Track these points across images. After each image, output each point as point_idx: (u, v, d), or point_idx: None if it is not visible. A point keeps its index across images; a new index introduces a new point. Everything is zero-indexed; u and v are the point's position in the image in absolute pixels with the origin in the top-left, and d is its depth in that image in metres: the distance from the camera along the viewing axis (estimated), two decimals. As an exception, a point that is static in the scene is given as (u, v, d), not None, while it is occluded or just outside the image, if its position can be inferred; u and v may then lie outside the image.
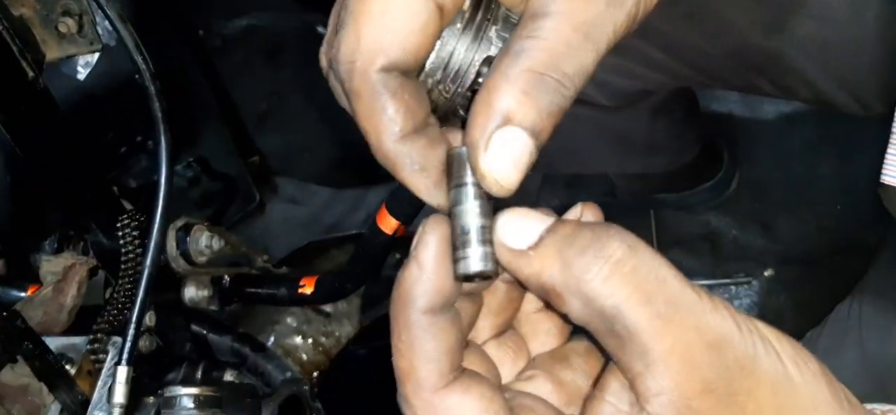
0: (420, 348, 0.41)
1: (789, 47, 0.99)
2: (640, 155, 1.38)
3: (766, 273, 1.59)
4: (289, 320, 1.65)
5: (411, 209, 0.98)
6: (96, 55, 1.76)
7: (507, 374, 0.48)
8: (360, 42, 0.42)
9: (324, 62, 0.48)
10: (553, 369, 0.47)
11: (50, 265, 1.04)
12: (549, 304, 0.41)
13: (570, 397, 0.46)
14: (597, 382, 0.42)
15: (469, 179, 0.42)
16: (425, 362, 0.41)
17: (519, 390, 0.46)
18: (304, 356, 1.63)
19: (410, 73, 0.44)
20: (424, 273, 0.41)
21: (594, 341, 0.42)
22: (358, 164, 1.81)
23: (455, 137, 0.47)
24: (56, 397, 0.88)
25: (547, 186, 1.58)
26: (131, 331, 0.82)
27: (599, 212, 0.46)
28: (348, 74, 0.43)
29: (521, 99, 0.40)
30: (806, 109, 1.59)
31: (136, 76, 0.86)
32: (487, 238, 0.42)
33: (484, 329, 0.48)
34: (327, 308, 1.59)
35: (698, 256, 1.59)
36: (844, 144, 1.57)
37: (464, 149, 0.42)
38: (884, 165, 0.73)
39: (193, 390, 0.69)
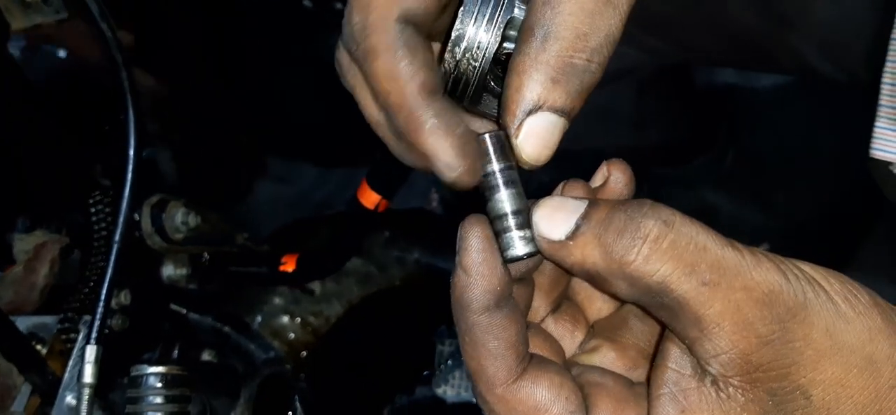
0: (484, 348, 0.41)
1: (771, 18, 0.96)
2: (630, 130, 1.36)
3: (762, 248, 1.57)
4: (276, 299, 1.63)
5: (393, 183, 0.95)
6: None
7: (568, 347, 0.48)
8: None
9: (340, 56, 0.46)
10: (614, 336, 0.48)
11: (22, 243, 1.01)
12: (598, 287, 0.42)
13: (634, 360, 0.47)
14: (657, 350, 0.43)
15: (498, 165, 0.43)
16: (492, 359, 0.42)
17: (585, 363, 0.47)
18: (292, 336, 1.60)
19: (424, 30, 0.44)
20: (472, 277, 0.41)
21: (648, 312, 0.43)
22: (347, 142, 1.78)
23: (482, 125, 0.47)
24: (26, 378, 0.85)
25: (538, 162, 1.55)
26: (100, 309, 0.79)
27: (625, 167, 0.47)
28: (362, 32, 0.42)
29: (550, 86, 0.41)
30: (802, 82, 1.55)
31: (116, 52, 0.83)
32: (525, 219, 0.43)
33: (540, 308, 0.48)
34: (314, 288, 1.57)
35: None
36: (841, 117, 1.54)
37: (488, 135, 0.43)
38: (872, 139, 0.70)
39: (161, 369, 0.67)
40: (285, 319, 1.61)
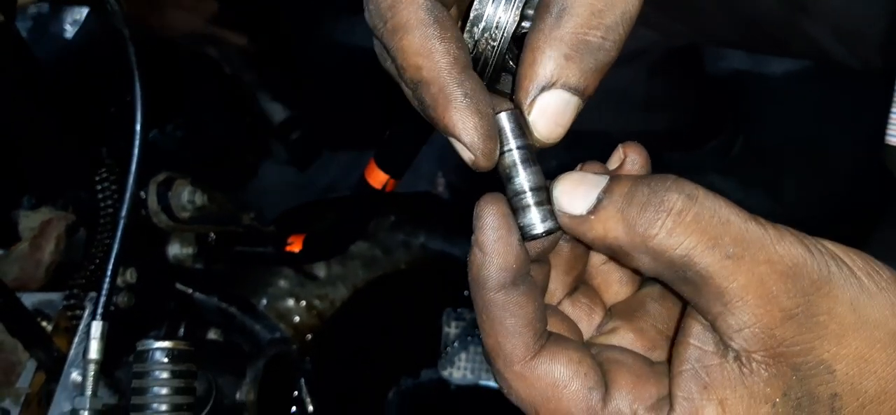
0: (501, 325, 0.41)
1: (786, 2, 0.95)
2: (639, 113, 1.35)
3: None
4: (282, 282, 1.62)
5: (402, 162, 0.94)
6: (84, 12, 1.71)
7: (585, 329, 0.48)
8: None
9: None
10: (631, 318, 0.47)
11: (28, 220, 1.00)
12: (619, 262, 0.43)
13: (652, 342, 0.47)
14: (679, 327, 0.43)
15: (515, 142, 0.43)
16: (509, 337, 0.41)
17: (603, 343, 0.47)
18: (298, 319, 1.60)
19: (450, 4, 0.44)
20: (487, 255, 0.41)
21: (668, 289, 0.43)
22: (353, 124, 1.77)
23: (500, 104, 0.47)
24: (31, 354, 0.85)
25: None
26: (106, 285, 0.78)
27: (641, 149, 0.47)
28: (390, 9, 0.42)
29: (563, 63, 0.41)
30: (812, 68, 1.54)
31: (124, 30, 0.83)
32: (544, 197, 0.43)
33: (556, 290, 0.48)
34: (320, 272, 1.57)
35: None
36: (852, 103, 1.52)
37: (504, 114, 0.43)
38: (888, 126, 0.70)
39: (167, 344, 0.66)
40: (291, 302, 1.61)
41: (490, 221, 0.41)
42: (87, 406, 0.75)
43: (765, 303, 0.38)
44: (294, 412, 0.99)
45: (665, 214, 0.38)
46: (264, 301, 1.55)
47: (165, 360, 0.66)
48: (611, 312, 0.49)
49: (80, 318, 0.87)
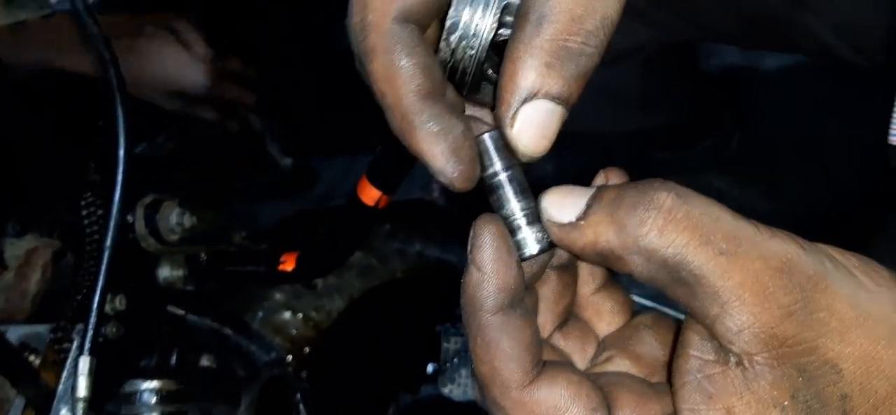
0: (498, 349, 0.40)
1: None
2: (634, 111, 1.33)
3: (771, 233, 1.54)
4: (277, 295, 1.60)
5: (393, 177, 0.92)
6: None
7: (579, 362, 0.47)
8: None
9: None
10: (626, 347, 0.46)
11: (13, 248, 0.98)
12: (610, 269, 0.41)
13: (650, 368, 0.46)
14: (675, 343, 0.42)
15: (501, 163, 0.42)
16: (507, 361, 0.40)
17: (600, 371, 0.46)
18: (295, 331, 1.58)
19: (423, 27, 0.43)
20: (485, 275, 0.40)
21: (661, 302, 0.40)
22: (346, 133, 1.75)
23: (483, 115, 0.46)
24: (19, 391, 0.83)
25: (541, 149, 1.52)
26: (92, 320, 0.76)
27: (624, 174, 0.46)
28: (361, 32, 0.42)
29: (544, 72, 0.40)
30: (811, 64, 1.52)
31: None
32: (535, 216, 0.42)
33: (546, 323, 0.47)
34: (316, 282, 1.54)
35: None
36: (852, 100, 1.51)
37: (487, 135, 0.42)
38: (891, 125, 0.68)
39: (155, 384, 0.64)
40: (287, 314, 1.59)
41: (488, 240, 0.40)
42: (77, 445, 0.73)
43: (762, 300, 0.37)
44: (291, 437, 0.97)
45: (655, 212, 0.38)
46: (260, 314, 1.53)
47: (153, 401, 0.64)
48: (604, 343, 0.48)
49: (68, 351, 0.85)
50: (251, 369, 1.05)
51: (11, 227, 1.00)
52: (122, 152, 0.78)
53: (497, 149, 0.42)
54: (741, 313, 0.37)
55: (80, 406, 0.74)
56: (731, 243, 0.37)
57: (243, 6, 1.70)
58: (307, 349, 1.56)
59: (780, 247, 0.37)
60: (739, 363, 0.38)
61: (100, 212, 0.96)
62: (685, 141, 1.53)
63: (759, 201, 1.52)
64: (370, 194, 0.92)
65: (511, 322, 0.40)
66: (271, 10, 1.72)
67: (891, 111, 0.70)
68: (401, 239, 1.64)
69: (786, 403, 0.37)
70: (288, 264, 1.07)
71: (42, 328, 0.88)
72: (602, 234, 0.39)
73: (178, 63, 1.46)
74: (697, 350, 0.39)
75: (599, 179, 0.45)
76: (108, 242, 0.76)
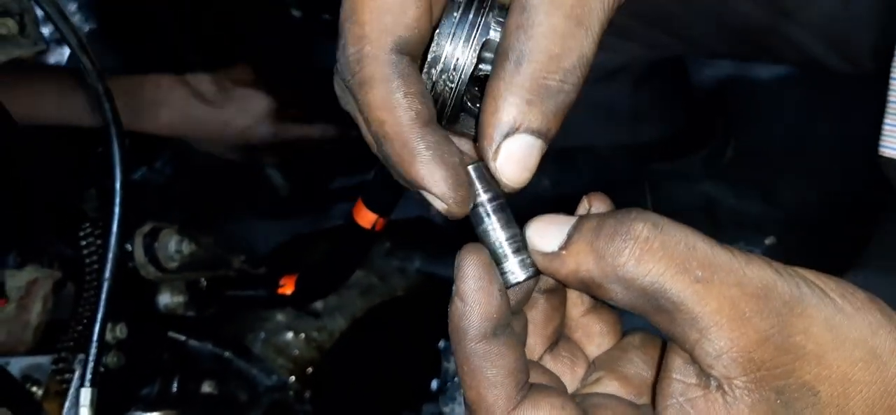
0: (483, 377, 0.41)
1: (773, 10, 0.94)
2: (627, 126, 1.34)
3: (766, 242, 1.54)
4: (279, 316, 1.61)
5: (389, 200, 0.93)
6: (65, 53, 1.68)
7: (569, 383, 0.48)
8: (366, 27, 0.42)
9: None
10: (614, 367, 0.48)
11: (14, 280, 0.99)
12: (595, 297, 0.42)
13: (638, 389, 0.47)
14: (659, 366, 0.43)
15: (485, 195, 0.43)
16: (491, 388, 0.42)
17: (587, 393, 0.47)
18: (297, 352, 1.59)
19: (416, 57, 0.44)
20: (468, 305, 0.41)
21: (649, 333, 0.44)
22: (341, 154, 1.76)
23: (463, 145, 0.47)
24: (22, 423, 0.83)
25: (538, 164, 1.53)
26: (93, 350, 0.77)
27: (605, 199, 0.47)
28: (357, 63, 0.43)
29: (525, 108, 0.41)
30: (800, 72, 1.53)
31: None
32: (519, 244, 0.43)
33: (536, 345, 0.48)
34: (317, 303, 1.55)
35: (696, 227, 1.53)
36: (842, 105, 1.51)
37: (472, 167, 0.43)
38: (882, 136, 0.69)
39: None
40: (289, 335, 1.59)
41: (471, 271, 0.41)
42: (80, 476, 0.74)
43: (739, 326, 0.37)
44: (293, 461, 0.98)
45: (632, 242, 0.39)
46: (262, 335, 1.53)
47: (155, 431, 0.64)
48: (594, 364, 0.49)
49: (70, 381, 0.86)
50: (253, 393, 1.05)
51: (12, 258, 1.01)
52: (118, 185, 0.79)
53: (481, 179, 0.43)
54: (719, 338, 0.38)
55: (83, 437, 0.75)
56: (707, 271, 0.38)
57: (237, 33, 1.71)
58: (310, 370, 1.57)
59: (756, 273, 0.38)
60: (719, 387, 0.39)
61: (98, 242, 0.97)
62: (679, 151, 1.54)
63: (753, 208, 1.53)
64: (366, 218, 0.93)
65: (494, 350, 0.41)
66: (264, 36, 1.73)
67: (881, 120, 0.70)
68: (400, 257, 1.65)
69: None
70: (287, 288, 1.08)
71: (44, 360, 0.88)
72: (583, 263, 0.40)
73: (242, 117, 1.45)
74: (680, 374, 0.40)
75: (583, 206, 0.47)
76: (108, 272, 0.77)
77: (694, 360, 0.39)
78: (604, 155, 1.48)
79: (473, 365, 0.41)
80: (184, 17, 1.62)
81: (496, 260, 0.43)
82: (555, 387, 0.45)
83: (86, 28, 1.66)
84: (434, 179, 0.42)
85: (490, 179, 0.43)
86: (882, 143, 0.70)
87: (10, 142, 0.99)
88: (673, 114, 1.43)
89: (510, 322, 0.43)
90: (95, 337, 0.77)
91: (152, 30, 1.62)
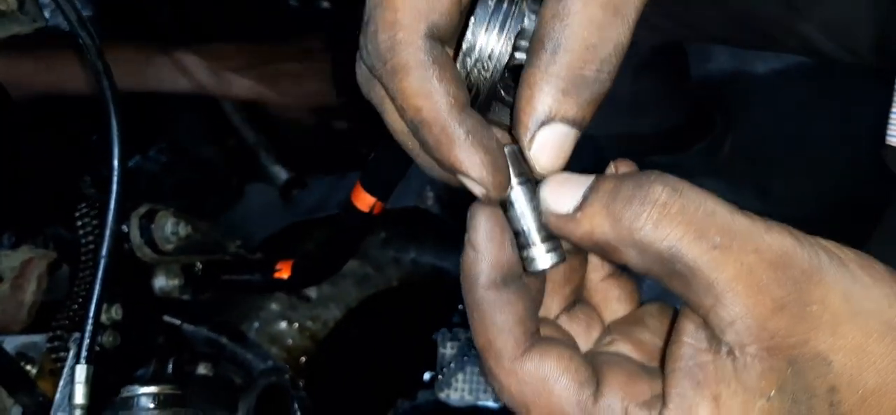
0: (491, 323, 0.42)
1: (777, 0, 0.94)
2: (625, 115, 1.34)
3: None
4: (273, 305, 1.60)
5: (388, 184, 0.93)
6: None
7: (583, 344, 0.48)
8: (398, 13, 0.42)
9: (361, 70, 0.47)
10: (629, 332, 0.47)
11: (8, 260, 0.98)
12: (609, 259, 0.42)
13: (650, 354, 0.46)
14: (671, 329, 0.43)
15: (516, 179, 0.44)
16: (499, 334, 0.42)
17: (599, 351, 0.47)
18: (291, 342, 1.58)
19: (450, 43, 0.45)
20: (480, 253, 0.42)
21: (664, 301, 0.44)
22: (339, 144, 1.75)
23: (495, 133, 0.47)
24: (16, 400, 0.83)
25: (534, 155, 1.53)
26: (89, 327, 0.76)
27: (632, 164, 0.47)
28: (390, 51, 0.43)
29: (561, 98, 0.42)
30: (800, 65, 1.53)
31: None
32: (549, 232, 0.43)
33: (553, 305, 0.49)
34: (312, 293, 1.54)
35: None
36: (842, 100, 1.52)
37: (506, 150, 0.44)
38: (888, 126, 0.69)
39: (153, 389, 0.64)
40: (283, 324, 1.59)
41: (483, 221, 0.42)
42: (74, 453, 0.73)
43: (755, 293, 0.37)
44: (290, 444, 0.97)
45: (650, 206, 0.38)
46: (256, 325, 1.53)
47: (152, 406, 0.64)
48: (609, 328, 0.49)
49: (64, 360, 0.85)
50: (248, 377, 1.04)
51: (6, 239, 1.00)
52: (116, 163, 0.79)
53: (514, 164, 0.44)
54: (735, 304, 0.37)
55: (78, 413, 0.74)
56: (725, 237, 0.37)
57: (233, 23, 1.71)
58: (303, 359, 1.56)
59: (776, 240, 0.38)
60: (730, 353, 0.38)
61: (95, 223, 0.96)
62: (677, 144, 1.54)
63: (750, 203, 1.52)
64: (365, 201, 0.93)
65: (504, 297, 0.42)
66: (261, 25, 1.73)
67: (888, 112, 0.71)
68: (396, 247, 1.64)
69: (772, 393, 0.38)
70: (283, 272, 1.07)
71: (39, 338, 0.88)
72: (598, 226, 0.40)
73: (318, 82, 1.50)
74: (691, 338, 0.40)
75: (609, 171, 0.47)
76: (104, 250, 0.76)
77: (707, 325, 0.39)
78: (600, 146, 1.49)
79: (483, 311, 0.42)
80: (179, 4, 1.61)
81: (524, 244, 0.43)
82: (564, 340, 0.45)
83: (86, 12, 1.65)
84: (473, 163, 0.42)
85: (522, 164, 0.44)
86: (889, 132, 0.70)
87: (6, 121, 0.98)
88: (672, 105, 1.44)
89: (521, 274, 0.43)
90: (91, 313, 0.76)
91: (145, 17, 1.61)
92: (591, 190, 0.41)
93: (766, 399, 0.38)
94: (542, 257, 0.43)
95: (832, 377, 0.38)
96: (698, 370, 0.39)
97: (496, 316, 0.42)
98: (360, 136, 1.67)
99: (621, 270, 0.50)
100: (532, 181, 0.44)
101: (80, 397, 0.75)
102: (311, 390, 1.34)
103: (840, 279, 0.38)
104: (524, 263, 0.43)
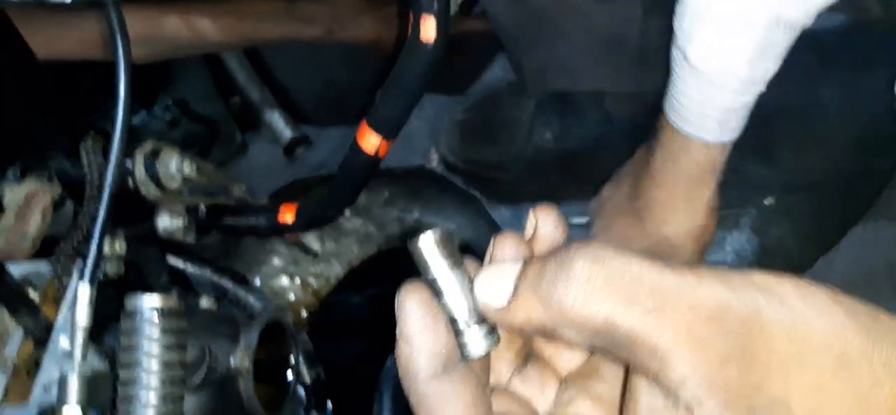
0: None
1: None
2: (632, 66, 1.33)
3: (766, 202, 1.54)
4: (275, 260, 1.61)
5: (395, 123, 0.92)
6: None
7: (541, 405, 0.47)
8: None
9: None
10: (586, 387, 0.46)
11: (13, 193, 0.98)
12: (554, 341, 0.42)
13: (609, 408, 0.45)
14: (625, 388, 0.42)
15: (442, 265, 0.42)
16: None
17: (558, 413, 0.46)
18: (292, 297, 1.59)
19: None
20: (414, 346, 0.41)
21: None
22: (342, 102, 1.75)
23: None
24: (18, 322, 0.83)
25: (540, 116, 1.53)
26: (94, 248, 0.76)
27: (552, 211, 0.46)
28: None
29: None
30: (807, 33, 1.52)
31: None
32: (481, 315, 0.42)
33: (502, 370, 0.47)
34: (315, 247, 1.55)
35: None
36: (848, 66, 1.52)
37: (425, 235, 0.42)
38: None
39: (157, 301, 0.64)
40: (285, 280, 1.59)
41: (413, 310, 0.41)
42: (76, 370, 0.73)
43: (699, 351, 0.36)
44: (291, 380, 0.98)
45: (575, 283, 0.37)
46: (257, 281, 1.53)
47: (155, 317, 0.64)
48: (566, 382, 0.48)
49: (67, 287, 0.85)
50: (250, 316, 1.05)
51: (12, 172, 1.00)
52: (122, 87, 0.78)
53: (437, 250, 0.42)
54: (681, 364, 0.36)
55: (80, 334, 0.74)
56: (656, 299, 0.36)
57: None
58: (306, 314, 1.57)
59: (708, 293, 0.36)
60: (689, 409, 0.37)
61: (100, 158, 0.96)
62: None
63: (754, 168, 1.52)
64: (370, 141, 0.93)
65: (448, 387, 0.41)
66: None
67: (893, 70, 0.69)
68: (400, 207, 1.64)
69: None
70: (288, 215, 1.07)
71: (43, 265, 0.88)
72: (532, 312, 0.39)
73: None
74: (647, 396, 0.38)
75: (530, 224, 0.46)
76: (111, 173, 0.76)
77: (658, 385, 0.38)
78: (607, 107, 1.48)
79: (429, 406, 0.41)
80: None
81: (458, 331, 0.42)
82: (521, 412, 0.44)
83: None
84: None
85: (451, 247, 0.42)
86: None
87: (14, 56, 0.98)
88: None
89: (460, 357, 0.42)
90: (97, 234, 0.76)
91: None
92: (520, 277, 0.40)
93: None
94: (478, 343, 0.42)
95: None
96: None
97: (444, 409, 0.40)
98: (365, 91, 1.67)
99: None
100: (462, 264, 0.42)
101: (82, 316, 0.75)
102: (313, 340, 1.34)
103: (781, 320, 0.36)
104: (460, 349, 0.42)
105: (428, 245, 0.42)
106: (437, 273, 0.42)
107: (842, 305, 0.38)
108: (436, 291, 0.42)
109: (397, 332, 0.42)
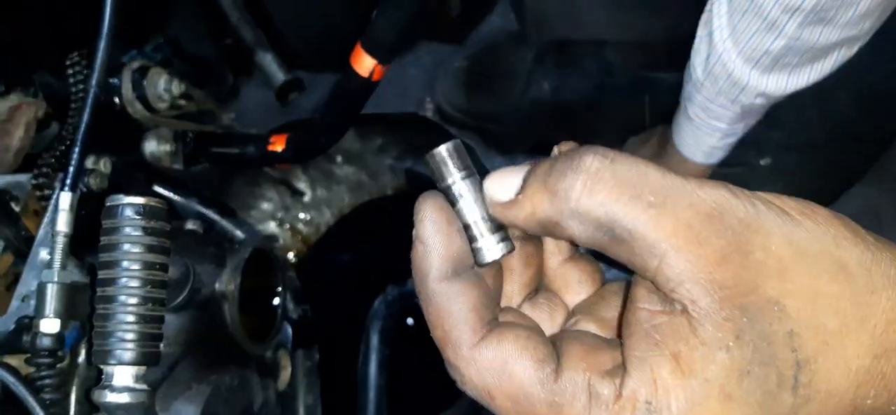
0: (447, 314, 0.42)
1: None
2: (638, 12, 1.30)
3: (762, 162, 1.53)
4: (265, 205, 1.58)
5: (391, 46, 0.90)
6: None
7: (548, 329, 0.48)
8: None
9: None
10: (592, 311, 0.47)
11: (-4, 107, 0.95)
12: (556, 237, 0.43)
13: (613, 329, 0.46)
14: (624, 299, 0.44)
15: (458, 175, 0.44)
16: (455, 324, 0.42)
17: (561, 331, 0.47)
18: (281, 242, 1.57)
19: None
20: (428, 246, 0.42)
21: (609, 262, 0.44)
22: (337, 46, 1.72)
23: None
24: (-2, 235, 0.81)
25: (538, 67, 1.50)
26: (75, 155, 0.74)
27: (575, 145, 0.46)
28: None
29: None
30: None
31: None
32: (497, 223, 0.44)
33: (514, 294, 0.49)
34: (303, 188, 1.53)
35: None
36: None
37: (445, 146, 0.44)
38: None
39: (139, 200, 0.62)
40: (273, 225, 1.57)
41: (429, 214, 0.43)
42: (56, 279, 0.71)
43: (696, 247, 0.37)
44: (277, 305, 0.96)
45: (583, 174, 0.39)
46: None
47: (137, 216, 0.62)
48: (573, 311, 0.49)
49: (49, 199, 0.83)
50: (237, 242, 1.03)
51: (-5, 86, 0.97)
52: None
53: (453, 159, 0.44)
54: (678, 261, 0.37)
55: (61, 240, 0.72)
56: (659, 195, 0.38)
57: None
58: (294, 259, 1.55)
59: (709, 194, 0.38)
60: (684, 310, 0.38)
61: (85, 72, 0.93)
62: (684, 62, 1.51)
63: (759, 129, 1.51)
64: (364, 64, 0.90)
65: (456, 288, 0.42)
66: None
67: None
68: (393, 155, 1.62)
69: (731, 343, 0.37)
70: (278, 145, 1.05)
71: (23, 178, 0.85)
72: (538, 204, 0.41)
73: None
74: (645, 302, 0.40)
75: (554, 152, 0.46)
76: (96, 78, 0.74)
77: (657, 287, 0.39)
78: (607, 59, 1.45)
79: (437, 304, 0.42)
80: None
81: (473, 237, 0.44)
82: (521, 323, 0.45)
83: None
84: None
85: (466, 159, 0.44)
86: None
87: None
88: (685, 5, 1.39)
89: (472, 264, 0.44)
90: (79, 139, 0.74)
91: None
92: (530, 173, 0.42)
93: (725, 350, 0.37)
94: (491, 248, 0.44)
95: (788, 322, 0.37)
96: (655, 332, 0.39)
97: (450, 307, 0.42)
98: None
99: (581, 253, 0.50)
100: (476, 175, 0.44)
101: (63, 224, 0.73)
102: (301, 282, 1.33)
103: (780, 225, 0.38)
104: (474, 255, 0.44)
105: (444, 155, 0.44)
106: (452, 181, 0.43)
107: (842, 220, 0.39)
108: (451, 199, 0.44)
109: (414, 234, 0.43)
